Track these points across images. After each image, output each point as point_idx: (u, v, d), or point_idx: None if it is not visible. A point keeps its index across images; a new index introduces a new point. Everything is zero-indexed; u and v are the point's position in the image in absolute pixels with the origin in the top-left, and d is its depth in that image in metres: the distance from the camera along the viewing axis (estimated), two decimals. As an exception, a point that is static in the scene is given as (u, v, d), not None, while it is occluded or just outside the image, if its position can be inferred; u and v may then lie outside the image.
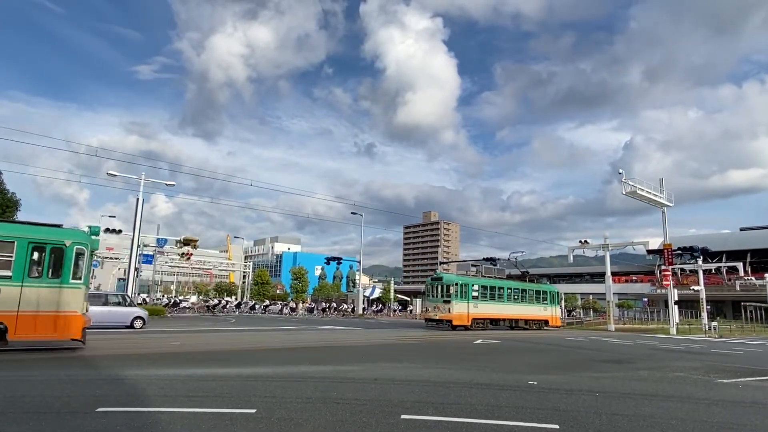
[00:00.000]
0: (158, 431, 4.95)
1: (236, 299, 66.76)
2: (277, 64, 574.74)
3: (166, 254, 51.05)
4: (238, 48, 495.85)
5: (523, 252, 37.14)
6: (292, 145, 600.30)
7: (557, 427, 5.46)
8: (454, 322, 26.79)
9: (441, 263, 59.53)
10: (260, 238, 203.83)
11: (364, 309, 52.55)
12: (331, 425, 5.30)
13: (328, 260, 50.82)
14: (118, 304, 21.99)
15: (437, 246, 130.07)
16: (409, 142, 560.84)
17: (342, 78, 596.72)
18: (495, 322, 29.63)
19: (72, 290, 11.50)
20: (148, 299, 48.71)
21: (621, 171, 31.38)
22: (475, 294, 28.13)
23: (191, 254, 43.47)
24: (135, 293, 35.63)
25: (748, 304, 48.24)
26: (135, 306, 23.27)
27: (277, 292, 76.17)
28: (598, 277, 59.69)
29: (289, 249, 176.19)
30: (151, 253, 42.05)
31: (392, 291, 64.40)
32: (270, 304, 54.77)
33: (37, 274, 11.28)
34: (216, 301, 52.94)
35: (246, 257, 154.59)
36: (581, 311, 56.73)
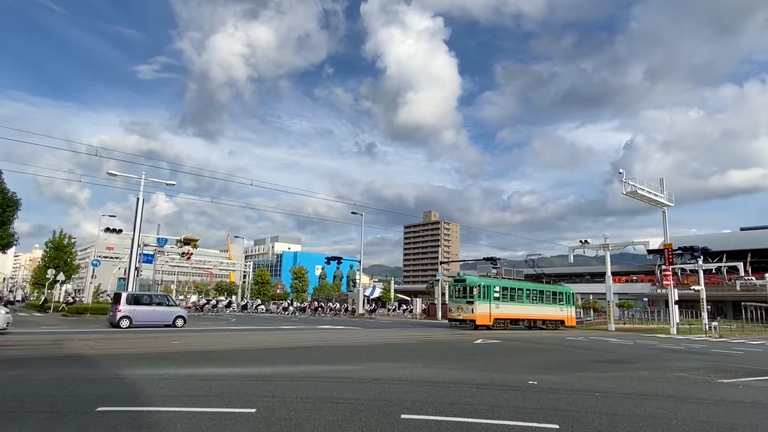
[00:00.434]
0: (158, 431, 4.95)
1: (226, 298, 66.84)
2: (278, 63, 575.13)
3: (166, 254, 50.95)
4: (238, 48, 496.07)
5: (540, 254, 37.90)
6: (292, 144, 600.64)
7: (557, 427, 5.46)
8: (477, 322, 27.73)
9: (441, 263, 59.41)
10: (260, 238, 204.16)
11: (365, 310, 52.61)
12: (331, 425, 5.30)
13: (329, 260, 50.75)
14: (160, 304, 23.70)
15: (437, 246, 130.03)
16: (410, 142, 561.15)
17: (343, 78, 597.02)
18: (515, 322, 30.70)
19: None
20: None
21: (621, 171, 31.33)
22: (496, 295, 29.17)
23: (191, 254, 43.38)
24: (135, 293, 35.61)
25: (748, 304, 48.19)
26: (177, 306, 25.27)
27: (278, 291, 76.15)
28: (599, 276, 59.65)
29: (289, 249, 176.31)
30: (152, 253, 42.00)
31: (392, 291, 64.44)
32: (261, 303, 54.79)
33: None
34: (205, 301, 52.71)
35: (246, 257, 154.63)
36: (581, 311, 56.69)
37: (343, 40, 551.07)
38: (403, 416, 5.73)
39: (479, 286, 28.63)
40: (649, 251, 60.33)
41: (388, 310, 55.40)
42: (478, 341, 19.51)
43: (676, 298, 33.81)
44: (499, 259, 49.93)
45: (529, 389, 8.00)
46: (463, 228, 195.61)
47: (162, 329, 21.40)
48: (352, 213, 47.80)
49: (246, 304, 55.05)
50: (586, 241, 37.69)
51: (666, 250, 33.22)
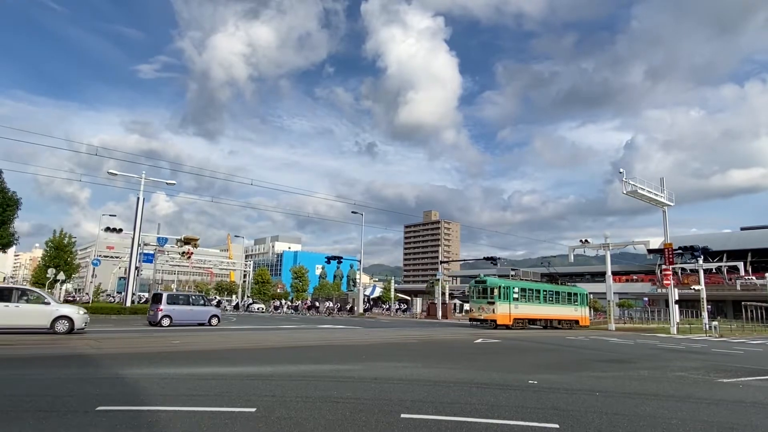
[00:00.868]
0: (158, 430, 4.95)
1: (234, 299, 66.71)
2: (279, 63, 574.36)
3: (166, 253, 51.08)
4: (239, 47, 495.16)
5: (555, 256, 38.72)
6: (293, 144, 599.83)
7: (557, 426, 5.45)
8: (498, 322, 28.93)
9: (441, 262, 59.43)
10: (261, 237, 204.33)
11: (365, 309, 52.63)
12: (331, 424, 5.30)
13: (329, 259, 50.78)
14: (196, 304, 25.01)
15: (438, 245, 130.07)
16: (411, 142, 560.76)
17: (343, 77, 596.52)
18: (532, 322, 31.91)
19: None
20: (145, 297, 48.65)
21: (622, 170, 31.36)
22: (515, 296, 30.30)
23: (192, 253, 43.47)
24: (135, 292, 35.67)
25: (748, 303, 48.14)
26: (212, 306, 26.83)
27: (278, 291, 76.16)
28: (599, 276, 59.63)
29: (289, 248, 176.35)
30: (152, 252, 42.04)
31: (392, 290, 64.43)
32: (253, 302, 54.79)
33: None
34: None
35: (246, 256, 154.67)
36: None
37: (343, 39, 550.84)
38: (403, 415, 5.72)
39: (500, 287, 29.79)
40: (650, 251, 60.30)
41: (383, 309, 55.30)
42: (478, 341, 19.52)
43: (677, 298, 33.81)
44: (499, 258, 50.05)
45: (529, 389, 7.99)
46: (464, 227, 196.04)
47: (197, 328, 22.39)
48: (353, 212, 47.92)
49: (237, 304, 54.78)
50: (586, 240, 37.72)
51: (666, 250, 33.21)
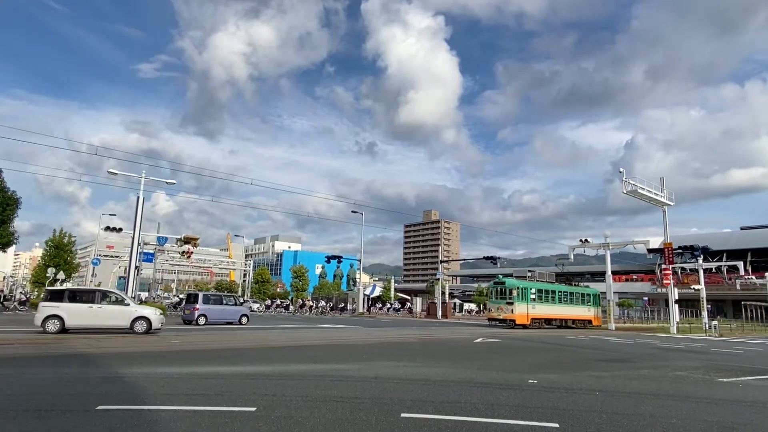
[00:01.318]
0: (158, 429, 4.95)
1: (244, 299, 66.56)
2: (279, 62, 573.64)
3: (166, 253, 50.99)
4: (239, 46, 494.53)
5: (568, 258, 39.07)
6: (293, 143, 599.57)
7: (557, 425, 5.45)
8: (517, 321, 30.04)
9: (441, 262, 59.43)
10: (261, 237, 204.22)
11: (365, 308, 52.60)
12: (331, 423, 5.30)
13: (329, 259, 50.76)
14: (228, 303, 26.31)
15: (438, 245, 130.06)
16: (411, 141, 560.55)
17: (343, 77, 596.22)
18: (548, 322, 32.88)
19: None
20: (145, 297, 48.58)
21: (622, 170, 31.36)
22: (533, 296, 31.44)
23: (192, 253, 43.43)
24: (135, 292, 35.63)
25: (748, 303, 48.11)
26: (242, 306, 27.87)
27: (278, 290, 76.16)
28: (599, 276, 59.57)
29: (289, 247, 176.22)
30: (152, 252, 42.03)
31: (392, 290, 64.44)
32: (245, 301, 54.64)
33: None
34: (178, 299, 51.53)
35: (246, 256, 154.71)
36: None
37: (344, 39, 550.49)
38: (403, 415, 5.72)
39: (518, 288, 30.91)
40: (650, 250, 59.99)
41: (380, 308, 55.21)
42: (478, 340, 19.52)
43: (676, 298, 33.81)
44: (499, 258, 50.00)
45: (529, 388, 8.00)
46: (464, 227, 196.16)
47: (226, 326, 23.28)
48: (353, 212, 47.93)
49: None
50: (586, 240, 37.73)
51: (666, 250, 33.22)
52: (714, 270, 48.78)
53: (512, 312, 30.07)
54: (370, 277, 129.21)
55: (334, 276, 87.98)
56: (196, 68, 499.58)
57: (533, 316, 31.10)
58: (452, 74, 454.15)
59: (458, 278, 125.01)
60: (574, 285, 37.72)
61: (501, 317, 30.73)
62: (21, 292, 45.46)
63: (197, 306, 23.77)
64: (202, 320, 23.55)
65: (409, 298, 66.41)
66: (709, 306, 40.66)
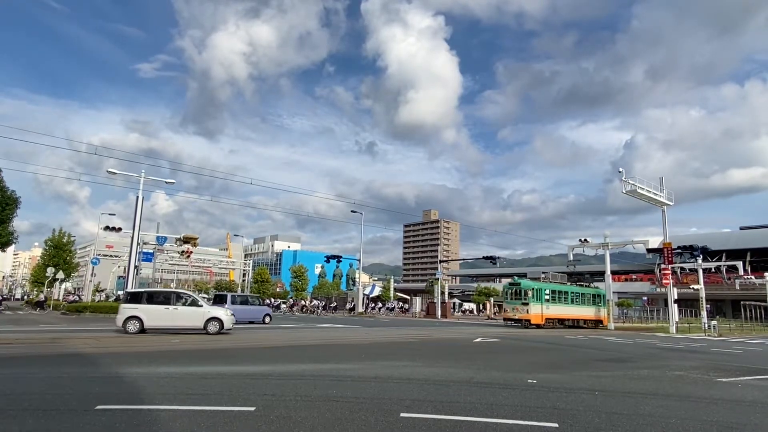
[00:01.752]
0: (157, 429, 4.94)
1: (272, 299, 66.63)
2: (279, 62, 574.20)
3: (165, 252, 50.91)
4: (239, 46, 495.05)
5: (580, 261, 39.63)
6: (293, 143, 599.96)
7: (557, 425, 5.45)
8: (532, 321, 30.90)
9: (441, 262, 59.43)
10: (260, 237, 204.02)
11: (372, 307, 52.55)
12: (331, 423, 5.29)
13: (328, 258, 50.74)
14: (253, 303, 28.19)
15: (437, 244, 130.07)
16: (411, 141, 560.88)
17: (343, 76, 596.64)
18: (561, 322, 33.59)
19: None
20: None
21: (621, 170, 31.34)
22: (546, 297, 32.25)
23: (191, 252, 43.33)
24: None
25: (747, 303, 48.12)
26: (265, 306, 29.77)
27: (277, 290, 76.12)
28: (598, 275, 59.55)
29: (289, 247, 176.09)
30: (151, 251, 41.97)
31: (392, 289, 64.39)
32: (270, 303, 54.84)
33: None
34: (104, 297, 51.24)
35: (246, 255, 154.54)
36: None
37: (344, 38, 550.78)
38: (402, 414, 5.72)
39: (533, 289, 31.72)
40: (649, 250, 60.09)
41: (371, 308, 55.11)
42: (478, 340, 19.52)
43: (676, 297, 33.82)
44: (498, 258, 50.03)
45: (528, 388, 7.99)
46: (463, 227, 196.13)
47: (251, 325, 24.32)
48: (352, 212, 47.89)
49: None
50: (585, 240, 37.73)
51: (665, 249, 33.21)
52: (713, 270, 48.82)
53: (527, 312, 30.91)
54: (369, 277, 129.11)
55: (334, 276, 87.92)
56: (196, 68, 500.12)
57: (547, 316, 31.89)
58: (452, 74, 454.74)
59: (457, 278, 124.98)
60: (586, 286, 38.46)
61: (516, 317, 31.66)
62: (37, 293, 45.20)
63: (226, 306, 24.33)
64: None
65: (408, 297, 66.38)
66: (708, 306, 40.64)
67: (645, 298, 67.36)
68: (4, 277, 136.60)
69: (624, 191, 31.54)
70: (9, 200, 28.02)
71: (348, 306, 53.36)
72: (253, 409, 5.80)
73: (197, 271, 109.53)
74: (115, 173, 30.29)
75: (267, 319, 27.05)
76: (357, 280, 56.28)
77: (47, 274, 42.81)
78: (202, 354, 12.21)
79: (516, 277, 39.34)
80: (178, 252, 45.04)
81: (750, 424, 6.02)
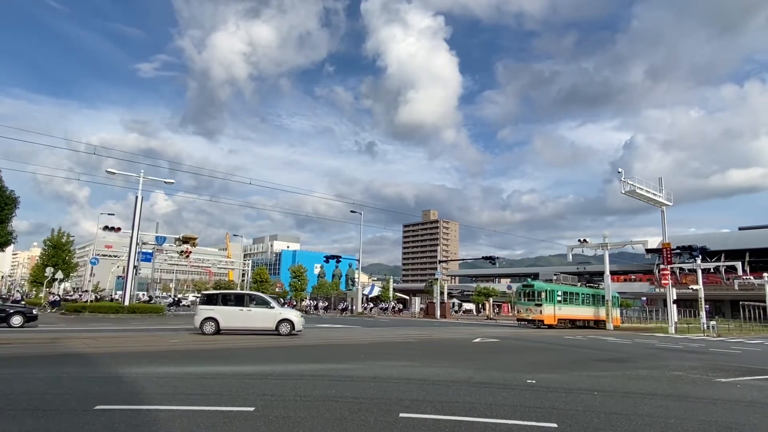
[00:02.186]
0: (156, 429, 4.94)
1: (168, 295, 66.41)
2: (279, 62, 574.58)
3: (165, 252, 50.85)
4: (239, 46, 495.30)
5: (589, 262, 40.00)
6: (293, 143, 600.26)
7: (556, 425, 5.46)
8: (545, 322, 31.66)
9: (440, 262, 59.41)
10: (259, 237, 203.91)
11: (364, 308, 52.48)
12: (330, 423, 5.30)
13: (328, 258, 50.73)
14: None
15: (436, 245, 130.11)
16: (410, 141, 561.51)
17: (343, 76, 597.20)
18: (572, 322, 34.34)
19: None
20: (142, 296, 48.40)
21: (620, 170, 31.35)
22: (559, 298, 33.03)
23: (190, 252, 43.35)
24: (133, 291, 35.57)
25: (746, 303, 48.20)
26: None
27: (277, 290, 76.06)
28: (597, 276, 59.62)
29: (288, 247, 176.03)
30: (150, 251, 41.96)
31: (391, 289, 64.35)
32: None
33: None
34: (173, 299, 50.14)
35: (245, 255, 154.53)
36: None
37: (343, 38, 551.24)
38: (401, 415, 5.72)
39: (546, 290, 32.36)
40: (648, 250, 60.06)
41: (365, 308, 55.12)
42: (477, 340, 19.53)
43: (675, 298, 33.84)
44: (497, 258, 50.05)
45: (527, 388, 8.00)
46: (463, 227, 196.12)
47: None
48: (352, 212, 47.94)
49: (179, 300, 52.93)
50: (585, 240, 37.72)
51: (665, 250, 33.23)
52: (712, 270, 48.88)
53: (540, 313, 31.58)
54: (368, 277, 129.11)
55: (333, 276, 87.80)
56: (195, 68, 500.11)
57: (559, 316, 32.56)
58: (452, 74, 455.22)
59: (457, 278, 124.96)
60: (596, 287, 38.86)
61: (530, 318, 32.26)
62: (51, 293, 44.96)
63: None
64: None
65: (407, 297, 66.38)
66: (707, 306, 40.70)
67: (644, 298, 67.37)
68: (3, 277, 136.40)
69: (623, 191, 31.56)
70: (8, 200, 27.97)
71: (341, 306, 53.18)
72: (252, 409, 5.80)
73: (196, 271, 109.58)
74: (115, 173, 30.27)
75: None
76: (356, 280, 56.27)
77: (46, 274, 42.74)
78: (201, 354, 12.21)
79: (529, 279, 40.03)
80: (177, 252, 45.05)
81: (749, 424, 6.03)
